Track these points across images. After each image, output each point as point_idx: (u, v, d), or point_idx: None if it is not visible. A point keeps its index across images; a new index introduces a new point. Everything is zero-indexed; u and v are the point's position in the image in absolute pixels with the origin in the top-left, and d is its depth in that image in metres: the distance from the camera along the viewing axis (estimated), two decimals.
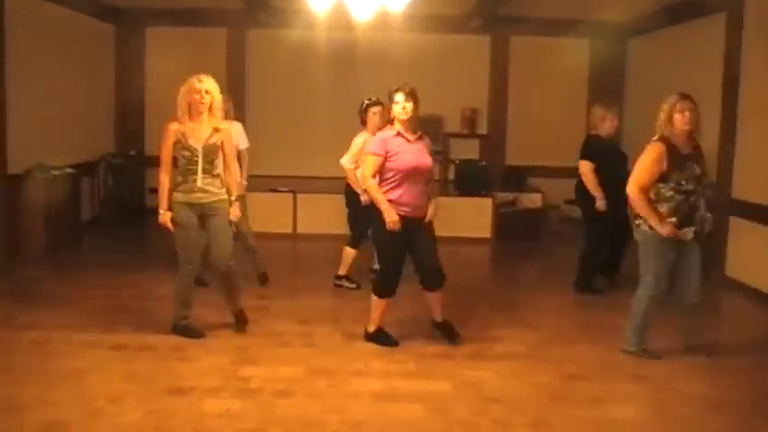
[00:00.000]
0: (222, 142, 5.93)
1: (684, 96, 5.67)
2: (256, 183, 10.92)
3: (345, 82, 11.81)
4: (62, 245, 9.06)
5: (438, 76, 11.76)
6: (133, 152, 11.97)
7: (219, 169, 5.93)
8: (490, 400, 5.01)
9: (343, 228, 10.58)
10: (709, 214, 5.66)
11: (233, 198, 6.05)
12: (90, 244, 9.99)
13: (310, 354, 5.82)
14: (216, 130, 5.92)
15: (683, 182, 5.60)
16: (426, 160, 5.93)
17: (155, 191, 12.17)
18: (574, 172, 12.46)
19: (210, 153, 5.89)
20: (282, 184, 10.89)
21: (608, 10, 11.03)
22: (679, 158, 5.62)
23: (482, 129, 12.09)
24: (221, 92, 6.09)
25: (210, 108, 5.92)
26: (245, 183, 7.56)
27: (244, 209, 6.94)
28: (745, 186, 8.00)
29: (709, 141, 8.53)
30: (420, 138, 5.94)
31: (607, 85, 12.17)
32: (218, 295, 6.43)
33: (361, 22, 8.00)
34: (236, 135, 7.16)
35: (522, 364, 5.73)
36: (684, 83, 9.54)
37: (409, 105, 5.83)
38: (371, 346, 6.06)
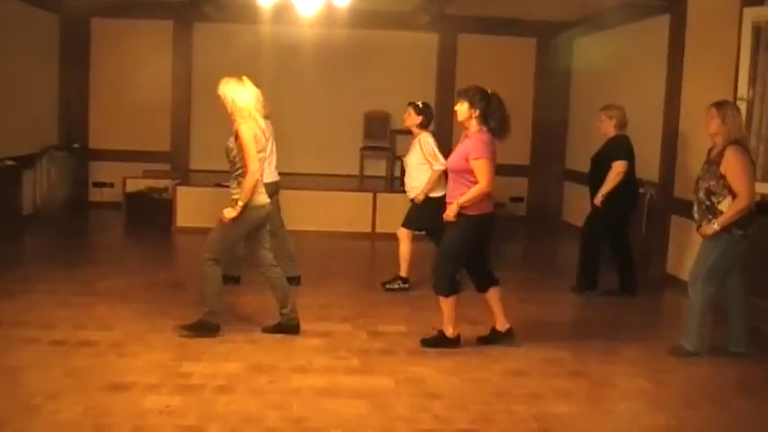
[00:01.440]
0: (237, 145, 5.81)
1: (712, 104, 5.91)
2: (203, 178, 10.89)
3: (292, 77, 11.79)
4: (1, 238, 8.89)
5: (385, 72, 11.80)
6: (76, 145, 11.83)
7: (239, 171, 5.84)
8: (432, 396, 5.03)
9: (289, 223, 10.60)
10: (702, 221, 5.85)
11: (238, 200, 5.80)
12: (30, 238, 9.84)
13: (252, 350, 5.78)
14: (233, 132, 5.85)
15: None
16: (451, 160, 6.02)
17: (98, 185, 12.20)
18: (521, 170, 12.67)
19: (227, 155, 5.91)
20: (228, 179, 10.80)
21: (555, 10, 11.14)
22: (705, 161, 5.96)
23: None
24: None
25: (231, 110, 5.85)
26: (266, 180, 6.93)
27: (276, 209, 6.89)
28: (687, 185, 8.10)
29: (653, 142, 8.70)
30: (467, 137, 5.92)
31: (553, 84, 12.31)
32: (160, 292, 6.34)
33: (307, 17, 7.96)
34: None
35: (463, 360, 5.76)
36: (629, 83, 9.72)
37: (459, 108, 5.89)
38: (314, 341, 6.04)
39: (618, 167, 7.40)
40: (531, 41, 12.60)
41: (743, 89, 7.16)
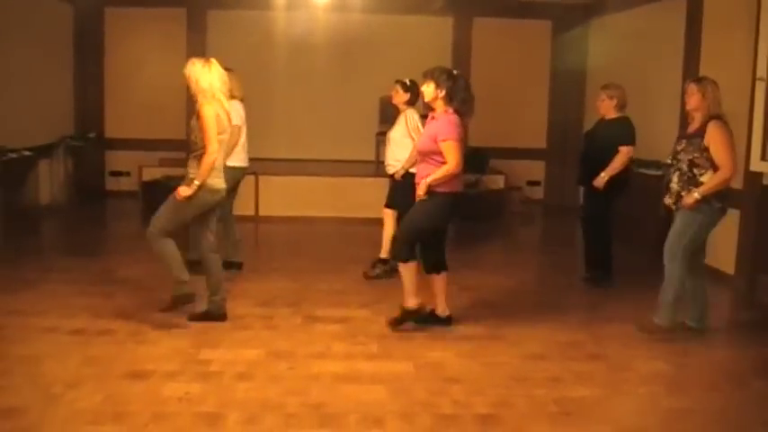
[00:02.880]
0: (199, 125, 5.77)
1: (691, 80, 6.03)
2: None
3: (306, 62, 11.77)
4: (19, 229, 8.92)
5: (400, 57, 11.74)
6: (92, 134, 11.86)
7: (199, 151, 5.76)
8: (451, 380, 5.02)
9: (304, 209, 10.62)
10: (682, 192, 5.81)
11: (194, 179, 5.72)
12: (48, 228, 9.88)
13: (271, 336, 5.79)
14: (195, 112, 5.81)
15: (668, 157, 6.04)
16: (419, 141, 6.08)
17: (114, 174, 12.24)
18: (537, 153, 12.62)
19: (189, 133, 5.88)
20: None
21: None
22: (679, 136, 6.08)
23: None
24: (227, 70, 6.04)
25: (195, 91, 5.85)
26: (232, 164, 7.11)
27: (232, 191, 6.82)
28: None
29: (671, 123, 8.64)
30: (433, 118, 5.93)
31: (569, 67, 12.22)
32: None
33: (321, 2, 7.94)
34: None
35: (481, 344, 5.75)
36: (646, 64, 9.63)
37: (425, 89, 5.89)
38: (333, 327, 6.03)
39: (628, 152, 7.26)
40: (547, 24, 12.51)
41: (762, 69, 7.07)
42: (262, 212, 10.67)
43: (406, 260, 5.93)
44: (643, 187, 8.21)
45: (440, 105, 5.85)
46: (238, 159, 7.42)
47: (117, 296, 6.69)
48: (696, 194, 5.70)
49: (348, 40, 11.80)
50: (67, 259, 8.16)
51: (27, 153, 9.48)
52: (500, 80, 12.30)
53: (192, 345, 5.52)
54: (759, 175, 7.12)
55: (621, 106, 7.44)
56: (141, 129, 12.13)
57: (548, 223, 12.06)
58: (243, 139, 7.43)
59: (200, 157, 5.75)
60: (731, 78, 7.38)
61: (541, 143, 12.74)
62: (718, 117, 5.74)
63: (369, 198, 10.65)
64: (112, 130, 12.30)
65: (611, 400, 4.83)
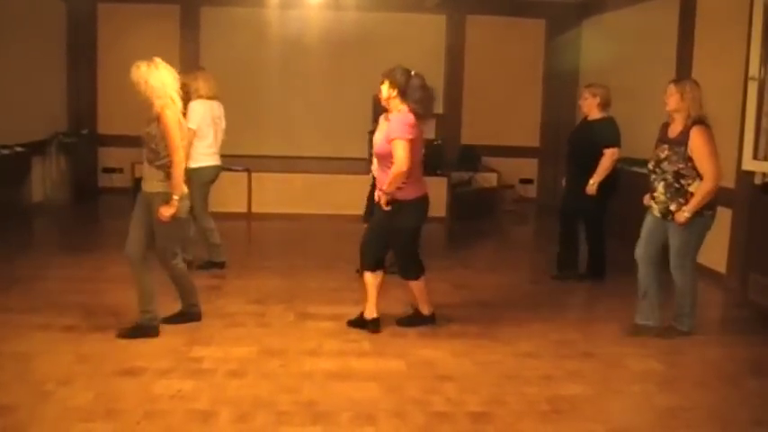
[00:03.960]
0: (161, 131, 5.48)
1: (672, 81, 5.96)
2: None
3: (300, 60, 11.76)
4: (12, 225, 8.90)
5: (393, 55, 11.71)
6: (85, 131, 11.82)
7: (165, 160, 5.48)
8: (443, 378, 5.03)
9: (297, 207, 10.60)
10: (671, 204, 5.77)
11: (173, 195, 5.46)
12: (40, 224, 9.85)
13: (263, 334, 5.79)
14: (154, 118, 5.54)
15: (649, 162, 5.94)
16: (376, 145, 5.85)
17: (107, 170, 12.19)
18: (531, 151, 12.63)
19: (148, 141, 5.56)
20: (236, 163, 10.79)
21: None
22: (659, 140, 5.93)
23: (438, 108, 12.06)
24: (188, 72, 5.91)
25: (148, 94, 5.56)
26: (198, 165, 7.21)
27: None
28: None
29: (662, 122, 8.65)
30: (387, 119, 5.80)
31: (563, 65, 12.23)
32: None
33: (314, 1, 7.94)
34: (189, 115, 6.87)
35: (474, 342, 5.75)
36: (639, 63, 9.64)
37: (381, 87, 5.79)
38: (325, 325, 6.04)
39: (614, 155, 7.22)
40: (541, 22, 12.52)
41: (754, 68, 7.08)
42: (254, 209, 10.65)
43: (416, 278, 5.99)
44: (634, 185, 8.18)
45: (395, 104, 5.71)
46: (209, 159, 7.39)
47: (109, 293, 6.68)
48: (687, 213, 5.63)
49: (341, 37, 11.78)
50: (60, 256, 8.15)
51: (20, 149, 9.46)
52: (494, 78, 12.32)
53: (185, 342, 5.51)
54: (751, 174, 7.13)
55: (605, 105, 7.40)
56: (134, 125, 11.94)
57: (540, 221, 12.07)
58: (211, 139, 7.38)
59: (163, 167, 5.48)
60: (724, 77, 7.41)
61: (534, 141, 12.75)
62: (700, 121, 5.66)
63: (361, 195, 10.64)
64: (105, 126, 12.25)
65: (603, 399, 4.84)
